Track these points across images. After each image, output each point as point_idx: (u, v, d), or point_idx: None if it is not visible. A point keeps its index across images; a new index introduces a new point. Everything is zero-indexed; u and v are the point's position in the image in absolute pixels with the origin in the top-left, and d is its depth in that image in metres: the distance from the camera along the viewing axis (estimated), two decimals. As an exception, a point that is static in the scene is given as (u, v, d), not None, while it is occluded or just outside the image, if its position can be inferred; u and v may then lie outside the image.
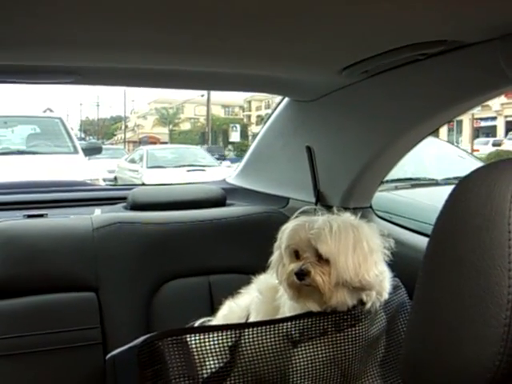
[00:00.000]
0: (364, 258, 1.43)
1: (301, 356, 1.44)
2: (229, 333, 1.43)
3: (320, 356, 1.45)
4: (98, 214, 2.14)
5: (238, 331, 1.43)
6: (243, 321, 1.62)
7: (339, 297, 1.43)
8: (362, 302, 1.46)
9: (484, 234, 0.75)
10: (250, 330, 1.42)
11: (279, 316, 1.56)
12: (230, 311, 1.70)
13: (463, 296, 0.75)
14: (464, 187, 0.81)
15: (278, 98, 2.35)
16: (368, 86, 1.76)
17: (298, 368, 1.44)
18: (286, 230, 1.50)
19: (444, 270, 0.79)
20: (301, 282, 1.44)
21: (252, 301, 1.64)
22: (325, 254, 1.42)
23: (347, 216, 1.52)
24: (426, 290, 0.82)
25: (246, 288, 1.71)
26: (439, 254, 0.81)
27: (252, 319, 1.61)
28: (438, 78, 1.56)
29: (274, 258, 1.53)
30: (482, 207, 0.76)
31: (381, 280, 1.49)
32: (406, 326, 0.88)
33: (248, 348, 1.41)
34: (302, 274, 1.43)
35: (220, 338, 1.41)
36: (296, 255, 1.48)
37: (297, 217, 1.55)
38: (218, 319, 1.72)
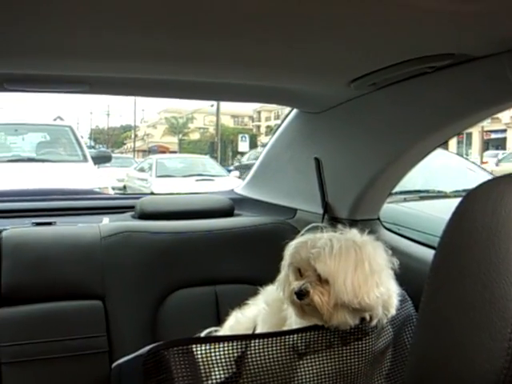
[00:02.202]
0: (364, 280, 1.41)
1: (306, 368, 1.44)
2: (235, 344, 1.43)
3: (326, 369, 1.44)
4: (106, 223, 2.14)
5: (244, 342, 1.43)
6: (250, 332, 1.62)
7: (339, 317, 1.41)
8: (370, 318, 1.46)
9: (490, 248, 0.75)
10: (257, 341, 1.42)
11: (286, 327, 1.55)
12: (237, 322, 1.70)
13: (468, 309, 0.75)
14: (470, 200, 0.81)
15: (287, 109, 2.36)
16: (376, 98, 1.76)
17: (304, 380, 1.44)
18: (290, 247, 1.50)
19: (450, 283, 0.79)
20: (301, 302, 1.44)
21: (259, 312, 1.64)
22: (323, 274, 1.42)
23: (353, 233, 1.50)
24: (431, 302, 0.82)
25: (254, 299, 1.71)
26: (445, 267, 0.81)
27: (259, 330, 1.60)
28: (446, 91, 1.56)
29: (282, 274, 1.52)
30: (488, 221, 0.76)
31: (388, 296, 1.47)
32: (412, 338, 0.88)
33: (254, 359, 1.41)
34: (301, 294, 1.43)
35: (226, 348, 1.41)
36: (300, 273, 1.47)
37: (303, 234, 1.55)
38: (224, 330, 1.72)
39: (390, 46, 1.38)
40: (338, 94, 1.86)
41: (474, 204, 0.80)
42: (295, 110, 2.23)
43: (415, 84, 1.59)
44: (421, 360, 0.83)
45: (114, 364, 1.57)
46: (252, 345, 1.41)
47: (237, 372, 1.44)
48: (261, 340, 1.42)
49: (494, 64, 1.37)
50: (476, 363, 0.73)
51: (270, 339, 1.42)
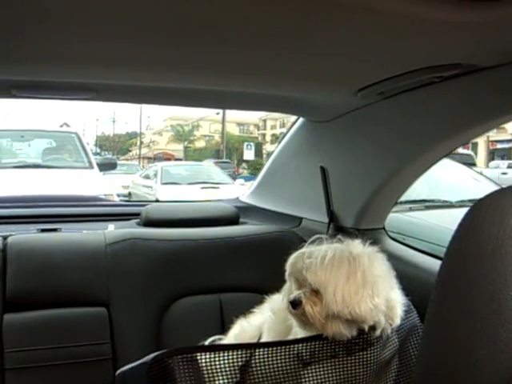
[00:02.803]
0: (356, 291, 1.40)
1: (311, 377, 1.43)
2: (239, 352, 1.43)
3: (330, 378, 1.44)
4: (111, 230, 2.14)
5: (249, 351, 1.43)
6: (255, 340, 1.61)
7: (334, 328, 1.41)
8: (373, 328, 1.45)
9: (497, 259, 0.74)
10: (261, 350, 1.41)
11: (291, 336, 1.55)
12: (242, 330, 1.70)
13: (475, 321, 0.74)
14: (477, 211, 0.81)
15: (292, 118, 2.36)
16: (383, 107, 1.76)
17: None
18: (290, 258, 1.51)
19: (456, 294, 0.78)
20: (295, 311, 1.45)
21: (265, 320, 1.64)
22: (314, 284, 1.42)
23: (353, 244, 1.50)
24: (438, 313, 0.81)
25: (259, 307, 1.71)
26: (452, 278, 0.80)
27: (264, 338, 1.60)
28: (454, 101, 1.56)
29: (286, 284, 1.53)
30: (495, 232, 0.76)
31: (391, 307, 1.47)
32: (418, 349, 0.88)
33: (258, 368, 1.40)
34: (295, 304, 1.44)
35: (231, 357, 1.40)
36: (299, 283, 1.48)
37: (307, 245, 1.56)
38: (229, 338, 1.72)
39: (398, 56, 1.38)
40: (345, 103, 1.86)
41: (481, 215, 0.79)
42: (301, 119, 2.23)
43: (422, 93, 1.59)
44: (427, 372, 0.82)
45: (118, 371, 1.57)
46: (257, 353, 1.41)
47: (241, 380, 1.44)
48: (265, 349, 1.42)
49: (501, 74, 1.37)
50: (483, 375, 0.73)
51: (274, 348, 1.42)
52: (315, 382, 1.43)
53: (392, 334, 1.52)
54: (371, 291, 1.41)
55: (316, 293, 1.42)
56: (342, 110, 1.94)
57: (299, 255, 1.48)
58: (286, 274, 1.51)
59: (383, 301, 1.43)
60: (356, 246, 1.50)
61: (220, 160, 27.25)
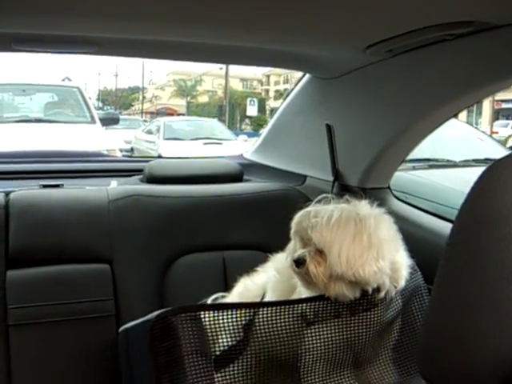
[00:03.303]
0: (360, 253, 1.39)
1: (314, 336, 1.44)
2: (243, 311, 1.43)
3: (333, 338, 1.44)
4: (114, 186, 2.13)
5: (252, 310, 1.43)
6: (259, 299, 1.61)
7: (336, 288, 1.40)
8: (377, 290, 1.44)
9: (510, 224, 0.73)
10: (265, 309, 1.41)
11: (295, 295, 1.55)
12: (246, 289, 1.70)
13: (486, 287, 0.73)
14: (491, 174, 0.79)
15: (297, 73, 2.32)
16: (392, 65, 1.72)
17: (311, 348, 1.44)
18: (296, 217, 1.49)
19: (467, 259, 0.77)
20: (298, 270, 1.44)
21: (269, 279, 1.64)
22: (318, 244, 1.41)
23: (360, 205, 1.48)
24: (447, 277, 0.80)
25: (263, 266, 1.71)
26: (463, 242, 0.78)
27: (268, 298, 1.60)
28: (465, 60, 1.52)
29: (291, 243, 1.52)
30: (509, 196, 0.74)
31: (396, 269, 1.46)
32: (425, 312, 0.87)
33: (262, 327, 1.41)
34: (298, 262, 1.43)
35: (234, 316, 1.41)
36: (304, 242, 1.47)
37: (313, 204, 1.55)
38: (233, 296, 1.72)
39: (409, 12, 1.34)
40: (353, 60, 1.82)
41: (495, 178, 0.77)
42: (308, 75, 2.19)
43: (433, 51, 1.55)
44: (433, 335, 0.81)
45: (121, 328, 1.58)
46: (260, 312, 1.41)
47: (244, 339, 1.44)
48: (269, 308, 1.42)
49: None
50: (491, 341, 0.72)
51: (278, 307, 1.42)
52: (318, 341, 1.44)
53: (396, 296, 1.51)
54: (376, 254, 1.40)
55: (320, 253, 1.41)
56: (350, 67, 1.90)
57: (305, 214, 1.46)
58: (291, 232, 1.50)
59: (388, 263, 1.42)
60: (363, 206, 1.48)
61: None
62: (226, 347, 1.43)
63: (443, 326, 0.79)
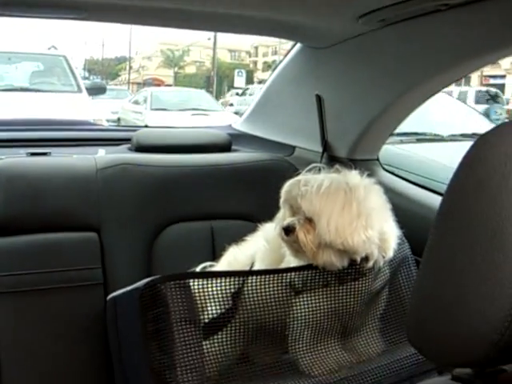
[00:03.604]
0: (349, 222, 1.40)
1: (302, 305, 1.45)
2: (232, 279, 1.43)
3: (321, 307, 1.46)
4: (103, 155, 2.11)
5: (241, 278, 1.43)
6: (247, 268, 1.62)
7: (325, 257, 1.41)
8: (365, 259, 1.45)
9: (502, 193, 0.73)
10: (254, 277, 1.42)
11: (284, 264, 1.56)
12: (235, 258, 1.70)
13: (475, 255, 0.74)
14: (482, 144, 0.79)
15: (286, 45, 2.30)
16: (384, 35, 1.71)
17: (299, 317, 1.46)
18: (285, 185, 1.49)
19: (457, 229, 0.77)
20: (287, 238, 1.44)
21: (258, 249, 1.64)
22: (307, 212, 1.42)
23: (351, 175, 1.49)
24: (437, 247, 0.80)
25: (252, 236, 1.71)
26: (453, 212, 0.79)
27: (257, 267, 1.61)
28: (458, 31, 1.51)
29: (280, 212, 1.52)
30: (499, 166, 0.74)
31: (384, 239, 1.47)
32: (414, 280, 0.87)
33: (250, 295, 1.42)
34: (288, 230, 1.43)
35: (223, 284, 1.41)
36: (293, 211, 1.47)
37: (301, 173, 1.55)
38: (221, 265, 1.72)
39: (403, -20, 1.33)
40: (345, 30, 1.80)
41: (486, 149, 0.77)
42: (298, 45, 2.17)
43: (426, 22, 1.54)
44: (422, 303, 0.82)
45: (109, 296, 1.58)
46: (249, 281, 1.42)
47: (233, 307, 1.45)
48: (258, 277, 1.43)
49: (509, 5, 1.32)
50: (480, 309, 0.73)
51: (267, 276, 1.43)
52: (306, 310, 1.45)
53: (384, 266, 1.53)
54: (365, 223, 1.41)
55: (310, 221, 1.42)
56: (342, 37, 1.89)
57: (295, 182, 1.47)
58: (281, 200, 1.50)
59: (377, 233, 1.43)
60: (353, 176, 1.48)
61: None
62: (215, 315, 1.44)
63: (432, 294, 0.80)
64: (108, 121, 8.82)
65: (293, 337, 1.47)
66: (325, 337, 1.48)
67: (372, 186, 1.50)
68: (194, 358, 1.31)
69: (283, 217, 1.49)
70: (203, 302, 1.41)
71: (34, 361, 1.76)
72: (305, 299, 1.46)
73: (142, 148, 2.20)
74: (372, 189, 1.48)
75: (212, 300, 1.42)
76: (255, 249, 1.65)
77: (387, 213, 1.50)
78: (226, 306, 1.45)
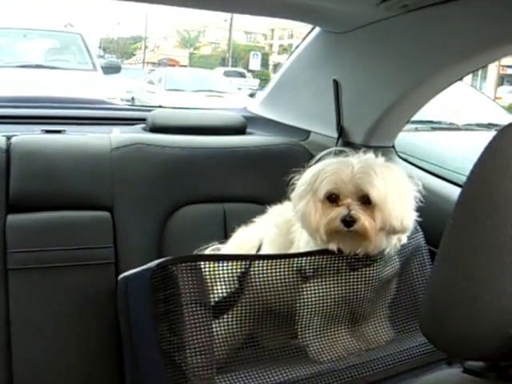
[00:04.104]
0: (406, 202, 1.41)
1: (311, 292, 1.45)
2: (241, 263, 1.43)
3: (331, 293, 1.45)
4: (117, 134, 2.11)
5: (251, 262, 1.43)
6: (254, 250, 1.62)
7: (378, 241, 1.40)
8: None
9: None
10: (261, 261, 1.41)
11: (293, 249, 1.55)
12: (242, 240, 1.70)
13: (495, 248, 0.73)
14: (503, 136, 0.78)
15: (302, 28, 2.27)
16: (405, 21, 1.69)
17: (308, 303, 1.45)
18: (323, 174, 1.43)
19: (477, 220, 0.76)
20: (348, 229, 1.39)
21: (266, 232, 1.63)
22: (374, 198, 1.38)
23: (379, 158, 1.49)
24: (455, 238, 0.79)
25: (260, 217, 1.70)
26: (473, 204, 0.78)
27: (265, 250, 1.60)
28: (480, 19, 1.49)
29: (303, 206, 1.45)
30: None
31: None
32: (430, 272, 0.87)
33: (258, 278, 1.41)
34: (351, 221, 1.38)
35: (235, 267, 1.41)
36: (331, 200, 1.43)
37: (319, 160, 1.52)
38: (229, 245, 1.72)
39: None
40: (366, 14, 1.78)
41: (507, 139, 0.76)
42: (317, 29, 2.14)
43: (449, 9, 1.52)
44: (437, 295, 0.82)
45: (121, 276, 1.58)
46: (257, 264, 1.41)
47: (239, 289, 1.45)
48: (267, 261, 1.42)
49: None
50: (497, 303, 0.72)
51: (274, 260, 1.42)
52: (316, 296, 1.45)
53: (394, 253, 1.52)
54: (413, 204, 1.44)
55: (366, 207, 1.39)
56: (362, 22, 1.86)
57: (340, 169, 1.42)
58: (318, 191, 1.43)
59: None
60: (380, 159, 1.48)
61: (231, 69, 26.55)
62: (221, 296, 1.43)
63: (448, 285, 0.79)
64: (122, 100, 8.82)
65: (302, 323, 1.47)
66: (334, 323, 1.48)
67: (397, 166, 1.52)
68: (204, 340, 1.31)
69: (312, 208, 1.44)
70: (214, 283, 1.41)
71: (44, 338, 1.78)
72: (315, 285, 1.45)
73: (156, 128, 2.20)
74: (400, 169, 1.51)
75: (222, 282, 1.42)
76: (263, 231, 1.64)
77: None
78: (233, 288, 1.45)
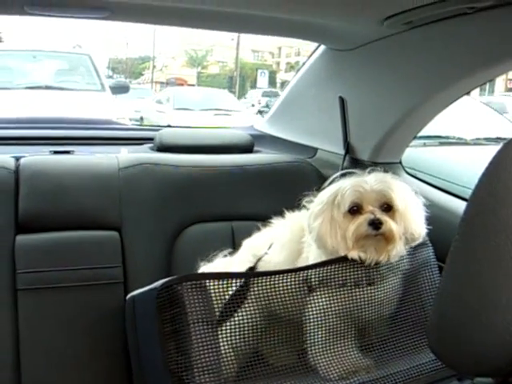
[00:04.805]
0: (421, 212, 1.50)
1: (316, 303, 1.44)
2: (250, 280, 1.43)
3: (335, 305, 1.44)
4: (125, 154, 2.12)
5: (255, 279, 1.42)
6: (266, 248, 1.64)
7: (400, 246, 1.46)
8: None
9: None
10: (266, 277, 1.41)
11: (301, 259, 1.57)
12: (257, 238, 1.74)
13: (501, 262, 0.72)
14: (508, 150, 0.78)
15: (309, 46, 2.29)
16: (409, 38, 1.69)
17: (314, 316, 1.44)
18: (343, 190, 1.48)
19: (483, 235, 0.76)
20: (377, 232, 1.43)
21: (279, 234, 1.66)
22: (396, 204, 1.45)
23: (385, 174, 1.53)
24: (462, 253, 0.79)
25: (277, 220, 1.72)
26: (479, 218, 0.78)
27: (274, 253, 1.62)
28: (484, 34, 1.49)
29: (319, 224, 1.49)
30: None
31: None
32: (438, 287, 0.86)
33: (263, 292, 1.41)
34: (378, 223, 1.42)
35: (240, 283, 1.41)
36: (352, 212, 1.47)
37: (331, 182, 1.57)
38: (244, 246, 1.76)
39: (430, -18, 1.32)
40: (370, 32, 1.79)
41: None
42: (322, 47, 2.16)
43: (452, 25, 1.52)
44: (445, 311, 0.81)
45: (129, 295, 1.58)
46: (260, 280, 1.41)
47: (243, 303, 1.44)
48: (272, 277, 1.42)
49: None
50: (504, 318, 0.72)
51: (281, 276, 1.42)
52: (320, 308, 1.44)
53: (396, 270, 1.52)
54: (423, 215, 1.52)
55: (387, 214, 1.46)
56: (366, 39, 1.87)
57: (357, 182, 1.48)
58: (341, 205, 1.47)
59: None
60: (388, 175, 1.54)
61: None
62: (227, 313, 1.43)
63: (455, 301, 0.79)
64: (131, 120, 8.87)
65: (310, 338, 1.46)
66: (340, 338, 1.47)
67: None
68: (211, 359, 1.31)
69: (331, 225, 1.47)
70: (220, 301, 1.40)
71: (53, 358, 1.78)
72: (320, 296, 1.45)
73: (164, 148, 2.21)
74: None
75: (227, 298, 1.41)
76: (278, 232, 1.67)
77: None
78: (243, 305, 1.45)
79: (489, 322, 0.73)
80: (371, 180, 1.47)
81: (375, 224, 1.42)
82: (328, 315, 1.44)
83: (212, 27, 2.17)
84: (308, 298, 1.45)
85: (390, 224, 1.43)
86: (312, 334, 1.45)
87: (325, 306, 1.44)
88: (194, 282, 1.34)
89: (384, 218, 1.43)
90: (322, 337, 1.45)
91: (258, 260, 1.56)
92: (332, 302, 1.44)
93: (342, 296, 1.45)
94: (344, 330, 1.46)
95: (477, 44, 1.53)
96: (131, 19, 2.07)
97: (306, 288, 1.45)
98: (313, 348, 1.46)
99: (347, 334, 1.47)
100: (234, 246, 1.98)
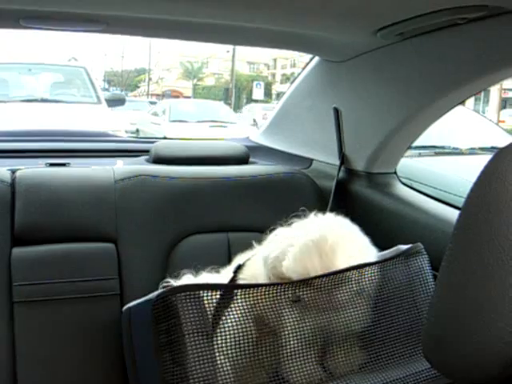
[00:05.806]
0: None
1: (293, 318, 1.43)
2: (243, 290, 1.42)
3: (311, 321, 1.43)
4: (120, 166, 2.12)
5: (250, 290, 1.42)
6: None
7: None
8: None
9: None
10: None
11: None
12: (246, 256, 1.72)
13: (494, 271, 0.73)
14: (501, 158, 0.78)
15: (304, 58, 2.30)
16: (403, 48, 1.71)
17: (289, 329, 1.42)
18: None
19: (476, 244, 0.76)
20: None
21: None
22: None
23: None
24: (455, 262, 0.79)
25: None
26: (471, 227, 0.78)
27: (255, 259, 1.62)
28: (477, 44, 1.51)
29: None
30: None
31: None
32: (431, 296, 0.86)
33: (251, 298, 1.40)
34: None
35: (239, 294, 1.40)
36: None
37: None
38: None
39: (421, -6, 1.33)
40: (363, 43, 1.80)
41: (505, 163, 0.77)
42: (316, 58, 2.17)
43: (445, 35, 1.54)
44: (439, 320, 0.81)
45: (124, 307, 1.58)
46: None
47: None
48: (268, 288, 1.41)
49: None
50: (498, 327, 0.72)
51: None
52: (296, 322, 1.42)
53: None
54: None
55: None
56: (360, 50, 1.89)
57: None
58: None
59: None
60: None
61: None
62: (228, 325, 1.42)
63: (449, 309, 0.79)
64: (127, 132, 8.88)
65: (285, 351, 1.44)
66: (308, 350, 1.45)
67: None
68: (207, 370, 1.30)
69: None
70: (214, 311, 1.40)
71: (49, 370, 1.77)
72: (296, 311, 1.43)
73: (159, 160, 2.22)
74: None
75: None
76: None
77: None
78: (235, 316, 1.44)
79: (482, 330, 0.74)
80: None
81: None
82: (303, 329, 1.43)
83: (207, 39, 2.19)
84: (285, 310, 1.45)
85: None
86: (289, 347, 1.44)
87: (299, 319, 1.43)
88: (188, 293, 1.34)
89: None
90: (294, 349, 1.43)
91: (238, 268, 1.56)
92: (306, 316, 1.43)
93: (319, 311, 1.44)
94: (312, 343, 1.45)
95: (470, 54, 1.54)
96: (127, 32, 2.08)
97: (289, 300, 1.44)
98: (288, 363, 1.43)
99: (314, 347, 1.46)
100: (230, 258, 1.99)
